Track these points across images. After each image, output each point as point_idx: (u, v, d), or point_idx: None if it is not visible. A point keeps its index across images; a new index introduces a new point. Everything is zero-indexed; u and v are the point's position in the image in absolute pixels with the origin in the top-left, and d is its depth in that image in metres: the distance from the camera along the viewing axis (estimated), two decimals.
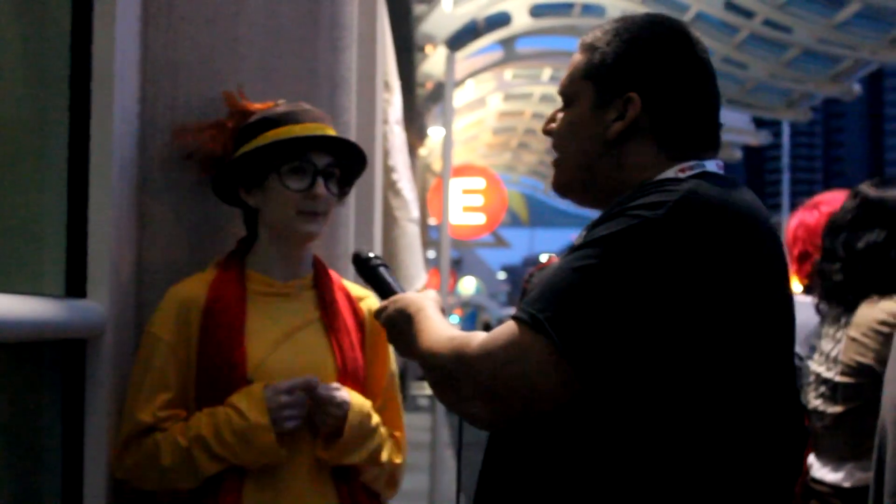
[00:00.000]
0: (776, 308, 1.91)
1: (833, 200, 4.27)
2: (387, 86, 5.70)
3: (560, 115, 2.10)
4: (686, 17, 14.17)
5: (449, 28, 14.02)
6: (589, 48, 2.07)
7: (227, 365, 2.71)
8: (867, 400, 3.50)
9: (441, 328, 2.02)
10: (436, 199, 13.59)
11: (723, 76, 16.56)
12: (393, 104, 5.93)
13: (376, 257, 2.46)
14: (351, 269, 3.31)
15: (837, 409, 3.56)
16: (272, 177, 2.79)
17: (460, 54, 14.49)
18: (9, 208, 2.63)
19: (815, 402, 3.63)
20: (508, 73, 18.38)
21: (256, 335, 2.76)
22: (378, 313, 2.27)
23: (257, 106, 2.94)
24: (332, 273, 2.96)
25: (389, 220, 5.99)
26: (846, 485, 3.55)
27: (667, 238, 1.79)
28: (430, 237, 17.27)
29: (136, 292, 2.97)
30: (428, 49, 14.54)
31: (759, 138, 21.31)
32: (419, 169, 17.20)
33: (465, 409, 1.90)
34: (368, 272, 2.44)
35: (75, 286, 2.70)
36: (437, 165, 17.85)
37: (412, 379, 19.36)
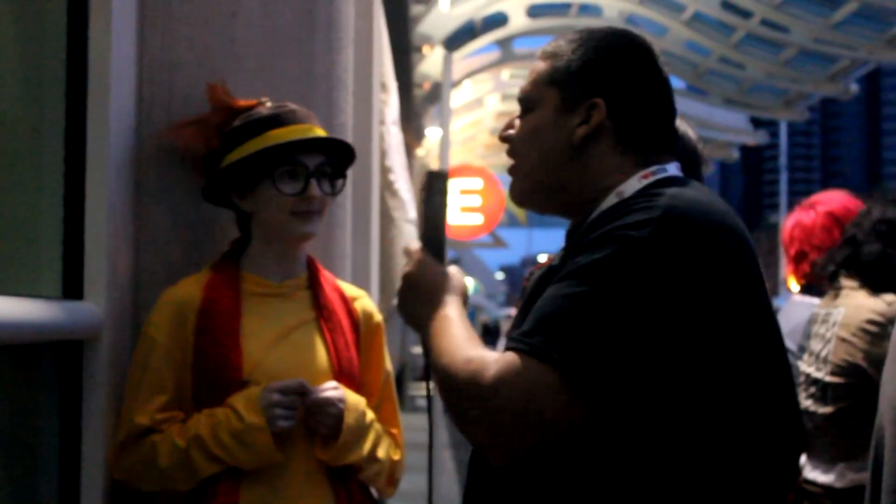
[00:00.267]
0: (762, 312, 1.92)
1: (830, 200, 4.28)
2: (383, 86, 5.70)
3: (518, 122, 2.11)
4: (683, 17, 14.21)
5: (446, 28, 14.04)
6: (552, 56, 2.08)
7: (224, 366, 2.71)
8: (857, 400, 3.51)
9: (461, 340, 1.93)
10: None
11: (720, 76, 16.61)
12: (390, 105, 5.93)
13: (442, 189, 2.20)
14: (347, 268, 3.31)
15: (828, 409, 3.57)
16: (265, 182, 2.79)
17: (457, 55, 14.49)
18: (5, 210, 2.63)
19: (805, 402, 3.64)
20: (506, 73, 18.40)
21: (252, 336, 2.76)
22: (406, 255, 2.15)
23: (241, 102, 2.93)
24: (327, 273, 2.96)
25: (386, 221, 6.00)
26: (838, 485, 3.56)
27: (656, 257, 1.80)
28: None
29: (132, 294, 2.97)
30: (425, 49, 14.54)
31: (756, 138, 21.33)
32: (417, 169, 17.20)
33: (469, 431, 1.86)
34: (434, 195, 2.19)
35: (72, 288, 2.70)
36: (434, 166, 17.86)
37: (410, 379, 19.37)
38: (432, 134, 17.38)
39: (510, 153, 2.11)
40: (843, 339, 3.56)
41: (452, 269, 2.11)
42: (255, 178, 2.80)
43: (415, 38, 13.61)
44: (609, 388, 1.78)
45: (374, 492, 2.95)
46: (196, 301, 2.77)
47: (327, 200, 2.84)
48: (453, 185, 14.17)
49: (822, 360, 3.61)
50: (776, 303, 6.18)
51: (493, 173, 16.53)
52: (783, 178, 33.28)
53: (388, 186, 5.96)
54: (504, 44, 16.21)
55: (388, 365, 3.01)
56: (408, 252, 2.14)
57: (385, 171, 5.86)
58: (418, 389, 19.29)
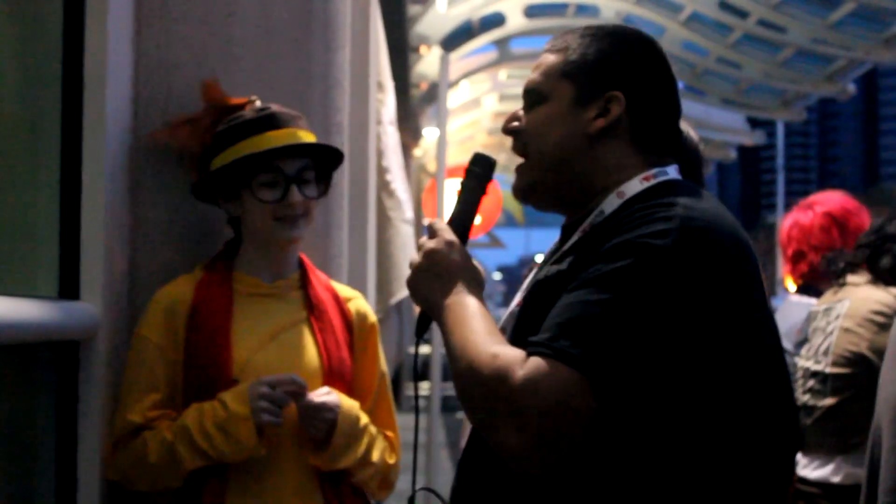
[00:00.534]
0: (766, 318, 1.94)
1: (828, 200, 4.29)
2: (380, 86, 5.70)
3: (522, 114, 2.10)
4: (680, 17, 14.20)
5: (443, 29, 14.02)
6: (563, 49, 2.07)
7: (213, 365, 2.72)
8: (858, 390, 3.52)
9: (484, 333, 1.88)
10: (431, 200, 13.58)
11: (717, 76, 16.59)
12: (387, 105, 5.93)
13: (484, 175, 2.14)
14: (343, 269, 3.31)
15: (828, 401, 3.57)
16: (245, 191, 2.79)
17: (455, 55, 14.48)
18: (2, 210, 2.63)
19: (803, 397, 3.65)
20: (503, 73, 18.38)
21: (243, 336, 2.76)
22: (430, 231, 2.07)
23: (233, 100, 2.93)
24: (319, 273, 2.96)
25: (384, 221, 5.99)
26: (834, 480, 3.56)
27: (676, 266, 1.80)
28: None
29: (129, 294, 2.97)
30: (422, 50, 14.53)
31: (753, 138, 21.32)
32: (414, 169, 17.20)
33: (495, 434, 1.81)
34: (473, 178, 2.14)
35: (68, 288, 2.70)
36: (431, 166, 17.85)
37: (407, 379, 19.35)
38: (429, 134, 17.36)
39: (516, 147, 2.10)
40: (847, 330, 3.57)
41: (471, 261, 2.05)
42: (237, 185, 2.80)
43: (412, 38, 13.61)
44: (630, 392, 1.78)
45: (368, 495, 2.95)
46: (188, 300, 2.77)
47: (312, 203, 2.84)
48: (451, 186, 14.16)
49: (823, 352, 3.63)
50: (773, 302, 6.18)
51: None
52: (780, 178, 33.24)
53: (384, 187, 5.95)
54: (501, 44, 16.19)
55: (384, 366, 3.01)
56: (435, 228, 2.06)
57: (382, 171, 5.85)
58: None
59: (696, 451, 1.82)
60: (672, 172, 2.02)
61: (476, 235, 17.36)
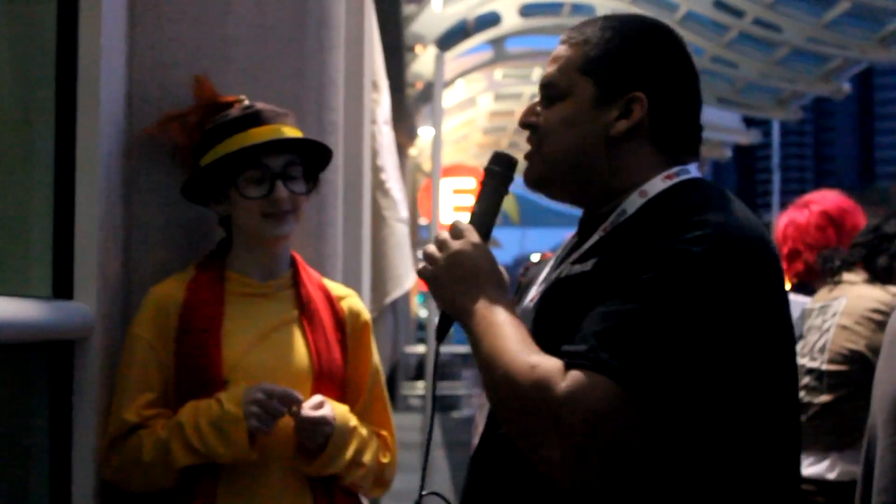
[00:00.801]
0: (788, 321, 1.93)
1: (823, 199, 4.30)
2: (375, 86, 5.70)
3: (540, 109, 2.03)
4: (676, 16, 14.20)
5: (438, 28, 14.04)
6: (582, 43, 2.00)
7: (203, 365, 2.71)
8: (854, 388, 3.53)
9: (518, 341, 1.83)
10: (426, 199, 13.59)
11: (713, 75, 16.60)
12: (381, 104, 5.92)
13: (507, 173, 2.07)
14: (338, 268, 3.30)
15: (824, 398, 3.58)
16: (232, 189, 2.79)
17: (450, 54, 14.50)
18: None
19: (798, 394, 3.66)
20: (498, 72, 18.39)
21: (233, 336, 2.76)
22: (454, 231, 1.98)
23: (222, 98, 2.93)
24: (312, 271, 2.95)
25: (378, 220, 5.98)
26: (830, 476, 3.57)
27: (713, 273, 1.78)
28: (420, 237, 17.28)
29: (123, 293, 2.97)
30: (418, 49, 14.55)
31: (749, 137, 21.34)
32: (409, 169, 17.21)
33: (537, 448, 1.78)
34: (494, 178, 2.06)
35: (62, 287, 2.70)
36: (427, 165, 17.85)
37: (403, 379, 19.35)
38: (425, 133, 17.37)
39: (532, 141, 2.04)
40: (845, 327, 3.58)
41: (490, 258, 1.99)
42: (224, 184, 2.79)
43: (407, 37, 13.61)
44: (670, 402, 1.75)
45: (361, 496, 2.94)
46: (179, 300, 2.77)
47: (300, 199, 2.83)
48: (447, 185, 14.17)
49: (819, 349, 3.63)
50: None
51: None
52: (776, 177, 33.31)
53: (379, 186, 5.95)
54: (497, 43, 16.21)
55: (377, 364, 2.99)
56: (460, 228, 1.98)
57: (377, 170, 5.85)
58: (410, 389, 19.28)
59: (733, 459, 1.81)
60: (693, 171, 1.98)
61: None
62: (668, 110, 1.97)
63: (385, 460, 2.91)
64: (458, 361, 20.84)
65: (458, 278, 1.94)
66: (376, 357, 3.00)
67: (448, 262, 1.95)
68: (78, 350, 2.70)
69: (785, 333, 1.90)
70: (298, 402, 2.67)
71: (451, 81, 16.33)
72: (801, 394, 3.65)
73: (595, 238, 1.95)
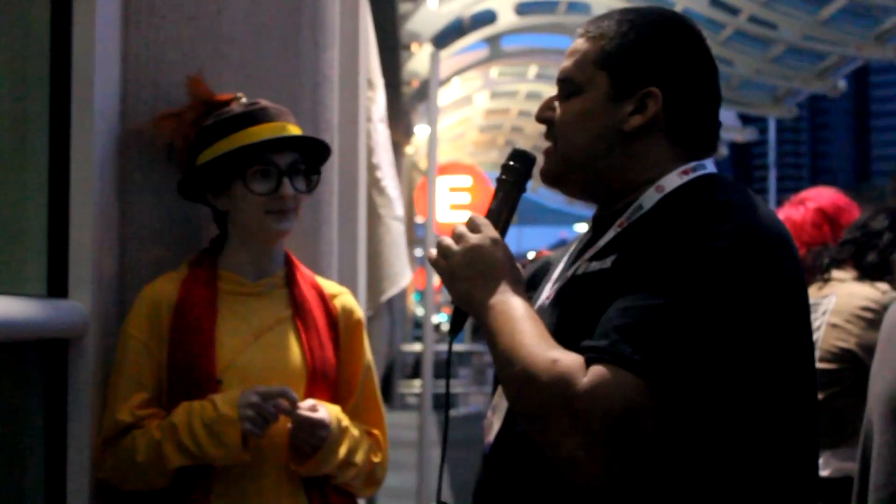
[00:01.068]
0: (809, 318, 1.94)
1: (819, 197, 4.30)
2: (370, 84, 5.69)
3: (557, 103, 2.02)
4: None
5: (434, 26, 14.05)
6: (598, 36, 1.98)
7: (196, 365, 2.71)
8: (846, 386, 3.53)
9: (537, 336, 1.81)
10: (423, 198, 13.58)
11: None
12: (377, 102, 5.92)
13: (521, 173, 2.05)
14: (333, 266, 3.30)
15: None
16: (237, 182, 2.78)
17: (446, 52, 14.50)
18: None
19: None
20: (494, 70, 18.40)
21: (226, 335, 2.76)
22: (471, 225, 1.97)
23: (218, 97, 2.92)
24: (305, 270, 2.95)
25: (374, 218, 5.98)
26: (823, 474, 3.57)
27: (738, 268, 1.77)
28: (417, 235, 17.29)
29: (118, 292, 2.96)
30: (413, 47, 14.55)
31: (745, 135, 21.37)
32: (406, 167, 17.20)
33: (558, 445, 1.75)
34: (511, 172, 2.05)
35: (57, 286, 2.69)
36: (423, 163, 17.85)
37: (400, 377, 19.36)
38: (421, 131, 17.37)
39: (549, 136, 2.03)
40: (835, 325, 3.58)
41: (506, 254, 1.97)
42: (228, 178, 2.79)
43: (403, 35, 13.62)
44: (693, 396, 1.74)
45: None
46: (172, 298, 2.76)
47: (301, 198, 2.83)
48: (443, 183, 14.16)
49: None
50: None
51: (483, 171, 16.54)
52: (772, 174, 33.33)
53: (375, 184, 5.94)
54: (492, 41, 16.22)
55: (370, 362, 2.99)
56: (477, 223, 1.97)
57: (372, 168, 5.84)
58: (407, 387, 19.28)
59: (754, 454, 1.80)
60: (709, 166, 1.97)
61: None
62: (684, 105, 1.96)
63: (376, 459, 2.90)
64: (455, 360, 20.87)
65: (476, 272, 1.92)
66: (369, 355, 2.99)
67: (466, 256, 1.93)
68: (72, 349, 2.69)
69: (806, 330, 1.89)
70: (294, 401, 2.67)
71: (447, 79, 16.34)
72: None
73: (611, 234, 1.93)
